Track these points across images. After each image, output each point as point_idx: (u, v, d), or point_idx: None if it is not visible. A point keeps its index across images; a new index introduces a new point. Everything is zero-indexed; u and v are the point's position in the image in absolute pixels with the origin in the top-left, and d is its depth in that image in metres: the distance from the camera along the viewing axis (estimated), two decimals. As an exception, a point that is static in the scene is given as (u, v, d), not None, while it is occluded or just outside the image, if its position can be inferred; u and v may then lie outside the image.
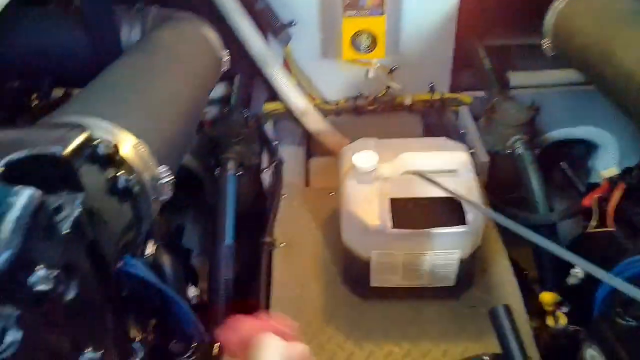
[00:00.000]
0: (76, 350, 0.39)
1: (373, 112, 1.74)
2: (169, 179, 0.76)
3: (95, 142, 0.60)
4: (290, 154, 1.65)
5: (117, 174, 0.63)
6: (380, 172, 1.10)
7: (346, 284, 1.25)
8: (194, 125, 1.07)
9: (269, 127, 1.69)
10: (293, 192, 1.49)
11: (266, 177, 1.56)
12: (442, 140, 1.25)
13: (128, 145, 0.69)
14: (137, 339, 0.93)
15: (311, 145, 1.75)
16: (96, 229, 0.55)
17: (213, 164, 1.54)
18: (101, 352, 0.39)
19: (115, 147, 0.62)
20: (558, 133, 1.74)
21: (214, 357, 0.83)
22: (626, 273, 1.05)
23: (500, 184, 1.57)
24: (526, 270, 1.43)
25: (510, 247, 1.34)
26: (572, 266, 1.30)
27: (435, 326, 1.17)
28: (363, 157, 1.09)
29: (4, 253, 0.35)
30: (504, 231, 1.36)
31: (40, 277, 0.37)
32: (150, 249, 0.97)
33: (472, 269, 1.20)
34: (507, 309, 0.79)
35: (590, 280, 1.24)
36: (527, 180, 1.44)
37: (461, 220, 1.07)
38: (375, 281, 1.17)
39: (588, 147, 1.84)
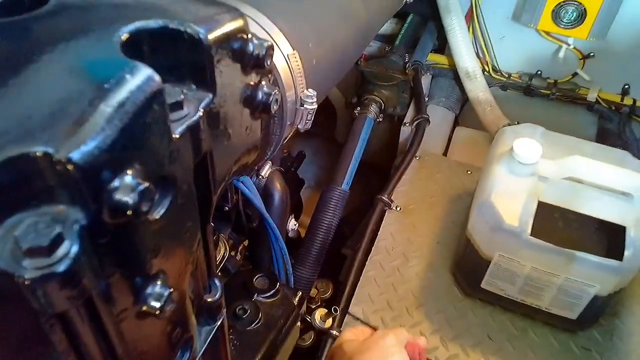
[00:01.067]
0: (143, 280, 0.30)
1: (545, 98, 1.52)
2: (313, 106, 0.65)
3: (248, 37, 0.49)
4: (438, 115, 1.50)
5: (260, 83, 0.53)
6: (539, 169, 0.93)
7: (453, 273, 1.11)
8: (356, 56, 0.95)
9: (425, 80, 1.54)
10: (428, 157, 1.35)
11: (406, 131, 1.43)
12: (622, 153, 1.03)
13: (282, 53, 0.60)
14: (224, 254, 0.89)
15: (462, 113, 1.58)
16: (215, 141, 0.46)
17: (355, 102, 1.45)
18: (170, 289, 0.31)
19: (271, 48, 0.51)
20: None
21: (294, 305, 0.75)
22: None
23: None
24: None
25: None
26: None
27: (537, 355, 1.01)
28: (525, 145, 0.93)
29: (93, 139, 0.26)
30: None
31: (125, 185, 0.27)
32: (265, 170, 0.90)
33: (604, 308, 1.02)
34: None
35: None
36: None
37: (616, 254, 0.88)
38: (488, 284, 1.03)
39: None
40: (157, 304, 0.29)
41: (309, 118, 0.63)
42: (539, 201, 0.92)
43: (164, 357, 0.34)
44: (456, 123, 1.58)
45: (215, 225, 0.88)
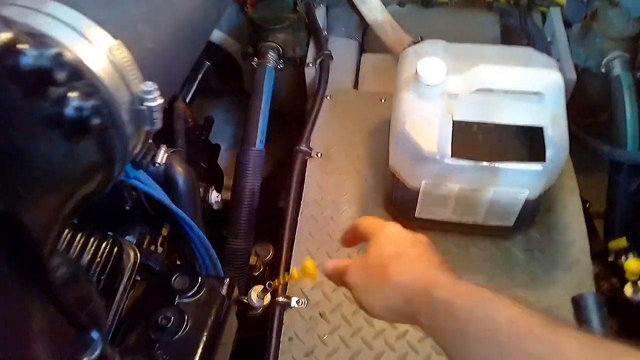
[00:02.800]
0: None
1: (444, 7, 1.48)
2: (156, 102, 0.49)
3: (21, 47, 0.37)
4: (341, 47, 1.43)
5: (66, 97, 0.39)
6: (448, 87, 0.89)
7: (387, 209, 1.09)
8: (213, 18, 0.82)
9: (320, 13, 1.45)
10: (338, 94, 1.29)
11: (310, 72, 1.35)
12: (528, 51, 1.00)
13: (98, 49, 0.46)
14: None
15: (366, 39, 1.51)
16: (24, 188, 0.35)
17: (252, 52, 1.35)
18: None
19: (57, 56, 0.39)
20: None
21: (222, 296, 0.70)
22: None
23: (582, 108, 1.32)
24: (588, 202, 1.23)
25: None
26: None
27: (482, 269, 1.01)
28: (429, 65, 0.88)
29: None
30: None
31: None
32: (161, 156, 0.81)
33: (537, 208, 1.02)
34: (599, 300, 0.61)
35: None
36: (619, 108, 1.19)
37: (539, 156, 0.87)
38: (421, 212, 1.01)
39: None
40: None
41: (155, 117, 0.48)
42: (453, 120, 0.89)
43: None
44: (363, 50, 1.51)
45: (119, 230, 0.80)
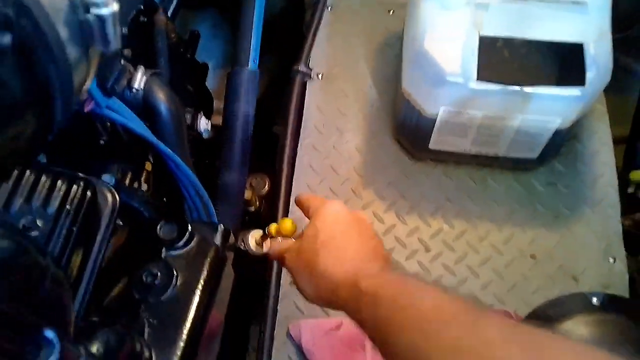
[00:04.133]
0: None
1: None
2: (110, 6, 0.30)
3: None
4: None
5: None
6: (474, -4, 0.75)
7: (397, 138, 0.97)
8: None
9: None
10: (342, 4, 1.13)
11: (309, -21, 1.19)
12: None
13: None
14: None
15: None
16: None
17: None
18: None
19: None
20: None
21: (217, 248, 0.60)
22: None
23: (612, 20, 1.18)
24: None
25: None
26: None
27: (501, 204, 0.93)
28: (453, -33, 0.73)
29: None
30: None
31: None
32: (139, 80, 0.69)
33: (565, 138, 0.91)
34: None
35: None
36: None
37: (576, 79, 0.75)
38: (437, 143, 0.90)
39: None
40: None
41: (109, 31, 0.31)
42: (480, 36, 0.76)
43: None
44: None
45: (95, 168, 0.68)
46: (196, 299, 0.54)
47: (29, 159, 0.40)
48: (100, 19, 0.29)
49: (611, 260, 0.87)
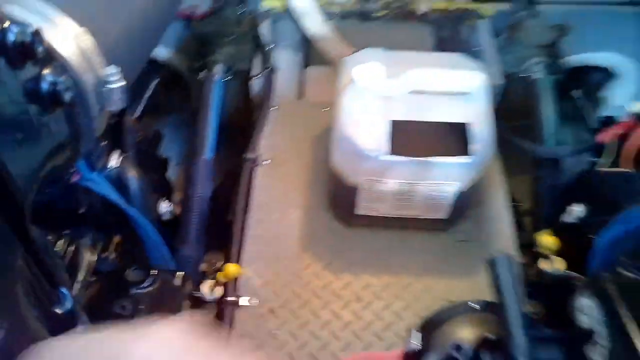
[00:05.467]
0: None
1: (382, 19, 1.57)
2: (119, 83, 0.59)
3: (4, 25, 0.44)
4: (285, 60, 1.49)
5: (41, 73, 0.47)
6: (384, 89, 0.97)
7: (330, 209, 1.15)
8: (166, 18, 0.91)
9: (264, 28, 1.52)
10: (284, 104, 1.36)
11: (256, 84, 1.42)
12: (457, 57, 1.09)
13: (66, 35, 0.55)
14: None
15: (310, 52, 1.58)
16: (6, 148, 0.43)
17: (199, 66, 1.40)
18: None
19: (37, 33, 0.47)
20: (578, 58, 1.56)
21: (176, 288, 0.74)
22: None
23: (510, 111, 1.43)
24: (520, 202, 1.33)
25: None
26: (570, 203, 1.20)
27: (420, 259, 1.09)
28: (366, 70, 0.95)
29: None
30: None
31: None
32: (114, 160, 0.86)
33: (468, 202, 1.10)
34: (509, 260, 0.68)
35: (590, 222, 1.15)
36: (540, 108, 1.30)
37: (465, 150, 0.95)
38: (362, 209, 1.07)
39: (605, 77, 1.66)
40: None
41: (118, 97, 0.58)
42: (392, 120, 0.96)
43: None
44: (308, 63, 1.58)
45: (72, 233, 0.83)
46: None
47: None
48: (113, 90, 0.49)
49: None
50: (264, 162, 1.23)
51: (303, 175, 1.21)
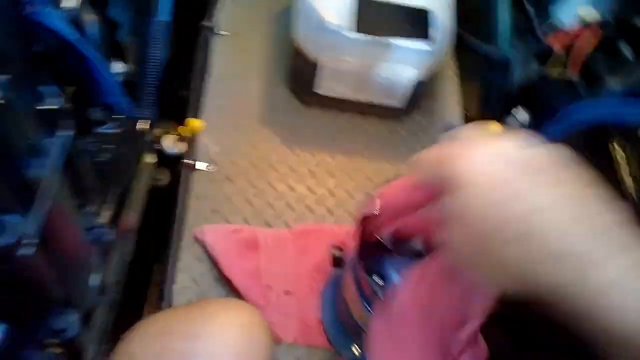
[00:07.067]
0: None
1: None
2: None
3: None
4: None
5: None
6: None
7: (290, 86, 1.16)
8: None
9: None
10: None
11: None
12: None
13: None
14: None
15: None
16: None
17: None
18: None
19: None
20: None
21: (139, 133, 0.73)
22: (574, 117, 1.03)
23: (465, 10, 1.45)
24: (467, 111, 1.40)
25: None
26: (514, 106, 1.27)
27: (374, 145, 1.14)
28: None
29: None
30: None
31: None
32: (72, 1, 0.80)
33: (422, 93, 1.14)
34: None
35: (532, 127, 1.23)
36: (497, 11, 1.34)
37: (425, 36, 0.98)
38: (321, 88, 1.09)
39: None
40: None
41: None
42: (357, -4, 0.96)
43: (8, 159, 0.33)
44: None
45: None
46: (122, 169, 0.67)
47: None
48: None
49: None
50: (223, 33, 1.19)
51: (263, 49, 1.20)
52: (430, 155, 0.44)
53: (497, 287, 0.42)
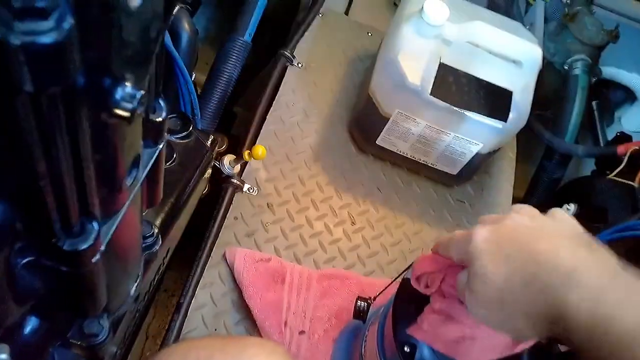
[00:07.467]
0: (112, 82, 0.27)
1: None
2: None
3: None
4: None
5: None
6: (444, 31, 0.96)
7: (352, 131, 1.16)
8: None
9: None
10: (330, 14, 1.33)
11: (308, -15, 1.37)
12: (517, 25, 1.09)
13: None
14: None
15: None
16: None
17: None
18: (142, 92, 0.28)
19: None
20: (610, 70, 1.58)
21: (206, 148, 0.74)
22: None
23: (537, 98, 1.45)
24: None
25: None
26: (564, 201, 1.25)
27: (420, 205, 1.12)
28: (435, 6, 0.94)
29: None
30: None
31: None
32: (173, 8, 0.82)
33: (478, 167, 1.13)
34: None
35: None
36: (570, 104, 1.34)
37: (502, 116, 0.97)
38: (383, 140, 1.09)
39: (625, 97, 1.70)
40: (128, 105, 0.27)
41: None
42: (440, 62, 0.97)
43: (119, 169, 0.33)
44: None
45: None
46: (187, 176, 0.68)
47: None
48: None
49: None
50: (298, 65, 1.21)
51: (332, 88, 1.21)
52: (452, 239, 0.54)
53: (523, 336, 0.49)
